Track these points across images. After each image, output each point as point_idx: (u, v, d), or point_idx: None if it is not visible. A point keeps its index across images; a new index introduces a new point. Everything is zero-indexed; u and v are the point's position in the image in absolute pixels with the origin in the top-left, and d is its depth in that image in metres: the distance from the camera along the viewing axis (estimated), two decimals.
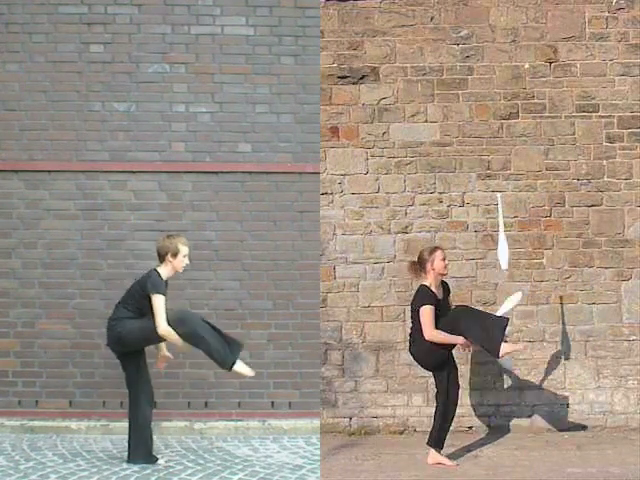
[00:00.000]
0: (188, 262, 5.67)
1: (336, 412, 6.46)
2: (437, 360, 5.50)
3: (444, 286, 5.67)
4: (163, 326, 5.39)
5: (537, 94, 6.45)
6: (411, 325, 5.61)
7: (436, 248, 5.63)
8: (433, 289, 5.53)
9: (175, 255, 5.56)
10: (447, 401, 5.50)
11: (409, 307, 6.29)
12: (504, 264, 5.79)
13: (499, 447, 5.84)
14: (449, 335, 5.43)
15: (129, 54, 6.89)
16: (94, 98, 6.86)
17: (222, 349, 5.50)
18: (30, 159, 6.82)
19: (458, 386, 5.58)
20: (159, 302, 5.42)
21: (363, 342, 6.48)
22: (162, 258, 5.58)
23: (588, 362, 6.39)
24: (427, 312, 5.43)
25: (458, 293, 6.30)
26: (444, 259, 5.57)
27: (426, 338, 5.41)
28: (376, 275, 6.49)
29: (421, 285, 5.56)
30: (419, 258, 5.60)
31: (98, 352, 6.67)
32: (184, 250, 5.60)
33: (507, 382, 6.38)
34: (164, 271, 5.58)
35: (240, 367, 5.56)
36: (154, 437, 5.74)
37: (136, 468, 5.54)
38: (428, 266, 5.53)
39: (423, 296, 5.50)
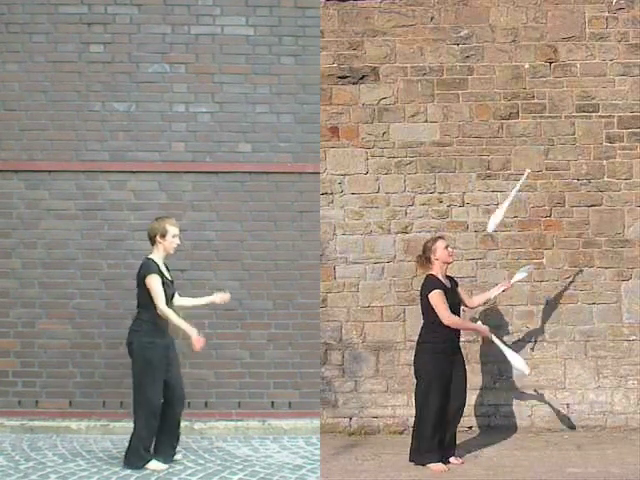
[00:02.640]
0: (179, 242, 5.67)
1: (336, 412, 6.46)
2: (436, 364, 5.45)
3: (451, 281, 5.63)
4: (161, 307, 5.44)
5: (537, 94, 6.45)
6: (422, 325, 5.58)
7: (437, 238, 5.65)
8: (439, 278, 5.53)
9: (164, 236, 5.59)
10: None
11: (409, 307, 6.36)
12: (491, 227, 5.84)
13: (499, 447, 5.84)
14: (470, 322, 5.51)
15: (129, 54, 6.89)
16: (94, 98, 6.86)
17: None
18: (30, 159, 6.82)
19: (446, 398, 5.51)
20: (153, 281, 5.45)
21: (363, 342, 6.48)
22: (152, 241, 5.63)
23: (588, 362, 6.39)
24: (437, 295, 5.42)
25: None
26: (447, 247, 5.57)
27: (445, 323, 5.37)
28: (376, 275, 6.49)
29: (427, 274, 5.56)
30: (423, 250, 5.62)
31: (98, 352, 6.68)
32: (172, 230, 5.62)
33: (507, 382, 6.38)
34: (156, 255, 5.61)
35: (153, 465, 5.54)
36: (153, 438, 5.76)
37: None
38: (432, 257, 5.54)
39: (429, 284, 5.49)
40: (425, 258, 5.58)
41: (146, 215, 6.77)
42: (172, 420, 5.65)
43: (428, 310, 5.47)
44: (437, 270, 5.54)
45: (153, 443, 5.59)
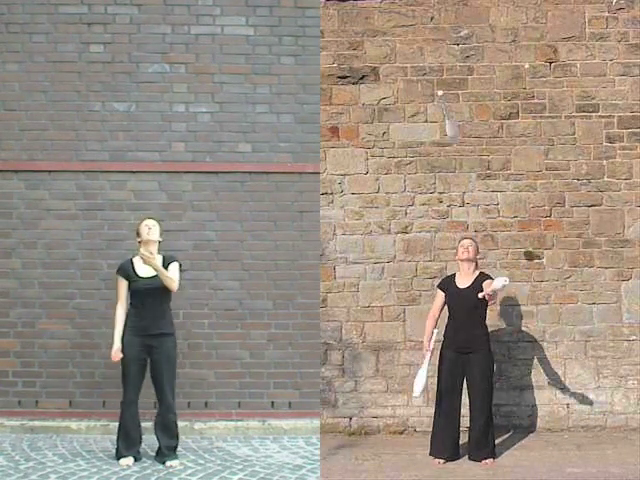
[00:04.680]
0: (147, 234, 5.80)
1: (336, 412, 6.46)
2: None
3: (479, 280, 5.65)
4: (117, 304, 5.78)
5: (537, 94, 6.45)
6: None
7: (461, 239, 5.86)
8: (457, 277, 5.71)
9: (139, 235, 5.89)
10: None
11: (409, 307, 6.42)
12: (453, 138, 5.98)
13: (499, 447, 5.82)
14: (427, 332, 5.64)
15: (129, 54, 6.89)
16: (94, 98, 6.86)
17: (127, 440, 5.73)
18: (30, 159, 6.82)
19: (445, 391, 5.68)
20: (117, 283, 5.82)
21: (363, 342, 6.47)
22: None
23: (588, 362, 6.38)
24: (436, 293, 5.83)
25: None
26: (462, 245, 5.71)
27: None
28: (376, 275, 6.49)
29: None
30: None
31: (98, 352, 6.67)
32: (141, 229, 5.87)
33: (507, 382, 6.38)
34: (137, 256, 5.84)
35: (123, 461, 5.69)
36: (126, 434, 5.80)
37: (136, 468, 5.55)
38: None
39: (443, 278, 5.95)
40: None
41: (146, 215, 6.76)
42: (157, 420, 5.76)
43: None
44: (458, 268, 5.77)
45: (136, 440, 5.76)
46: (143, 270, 5.76)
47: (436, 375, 5.67)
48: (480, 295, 5.48)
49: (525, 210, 6.43)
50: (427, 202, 6.48)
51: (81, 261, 6.79)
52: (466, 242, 5.75)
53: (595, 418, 6.35)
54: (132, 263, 5.84)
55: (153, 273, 5.72)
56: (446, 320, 5.72)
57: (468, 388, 5.61)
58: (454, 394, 5.59)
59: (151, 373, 5.74)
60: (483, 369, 5.56)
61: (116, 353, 5.68)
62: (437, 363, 5.69)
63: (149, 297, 5.68)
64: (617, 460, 5.55)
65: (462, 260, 5.70)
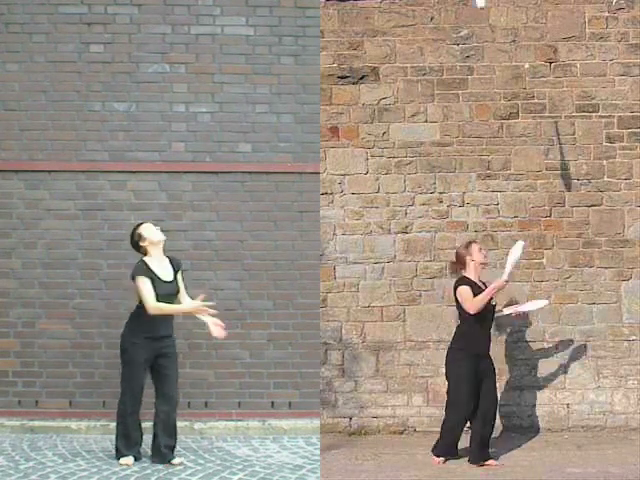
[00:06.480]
0: (161, 234, 5.74)
1: (336, 412, 6.46)
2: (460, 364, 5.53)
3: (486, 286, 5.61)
4: (151, 304, 5.52)
5: (537, 94, 6.45)
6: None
7: (470, 242, 5.69)
8: (475, 281, 5.57)
9: (143, 239, 5.75)
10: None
11: (409, 307, 6.39)
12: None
13: (499, 447, 5.83)
14: (487, 290, 5.46)
15: (129, 54, 6.88)
16: (94, 98, 6.86)
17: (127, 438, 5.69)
18: (30, 159, 6.82)
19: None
20: (139, 283, 5.57)
21: (363, 342, 6.48)
22: (137, 248, 5.81)
23: (588, 362, 6.39)
24: (464, 289, 5.49)
25: None
26: (481, 249, 5.63)
27: (469, 311, 5.44)
28: (376, 275, 6.49)
29: (461, 276, 5.61)
30: (457, 256, 5.68)
31: (98, 352, 6.67)
32: (146, 231, 5.74)
33: (507, 382, 6.38)
34: (147, 256, 5.72)
35: (123, 460, 5.65)
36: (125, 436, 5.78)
37: (136, 468, 5.54)
38: (468, 259, 5.59)
39: (461, 281, 5.55)
40: (459, 263, 5.65)
41: (146, 215, 6.76)
42: (159, 418, 5.72)
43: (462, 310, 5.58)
44: (471, 273, 5.59)
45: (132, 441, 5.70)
46: (161, 273, 5.69)
47: (443, 377, 5.63)
48: (511, 311, 5.60)
49: (525, 210, 6.43)
50: (427, 202, 6.48)
51: (81, 261, 6.79)
52: (479, 246, 5.66)
53: (595, 418, 6.35)
54: (147, 264, 5.70)
55: (171, 277, 5.70)
56: (455, 325, 5.70)
57: (482, 391, 5.54)
58: (475, 399, 5.50)
59: (161, 374, 5.69)
60: (494, 372, 5.60)
61: (218, 325, 5.70)
62: (450, 368, 5.59)
63: (165, 300, 5.62)
64: (617, 460, 5.55)
65: (484, 265, 5.66)
